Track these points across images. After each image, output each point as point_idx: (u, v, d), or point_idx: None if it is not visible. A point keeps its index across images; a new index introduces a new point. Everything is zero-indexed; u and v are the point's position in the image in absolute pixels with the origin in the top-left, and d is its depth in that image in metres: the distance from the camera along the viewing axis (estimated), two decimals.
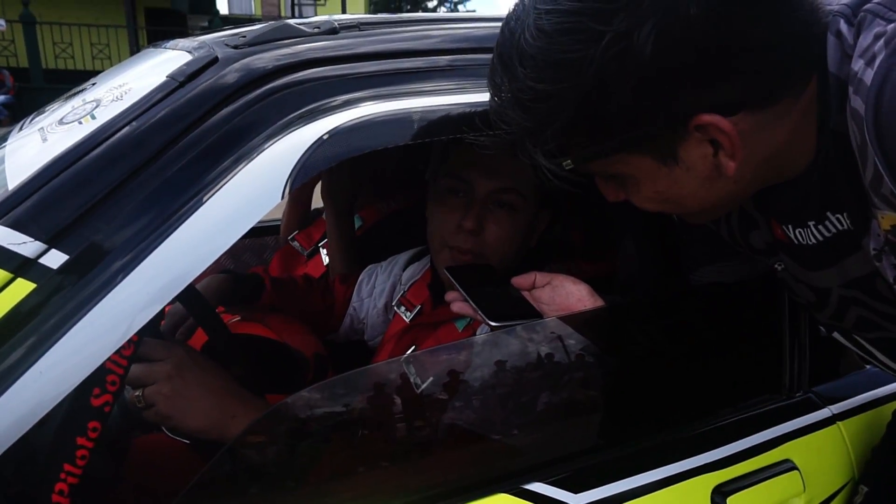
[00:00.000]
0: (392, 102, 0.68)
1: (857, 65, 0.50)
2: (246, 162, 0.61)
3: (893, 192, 0.49)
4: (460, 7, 29.95)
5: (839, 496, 0.85)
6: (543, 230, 1.02)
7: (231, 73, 0.65)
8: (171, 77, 0.65)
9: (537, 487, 0.71)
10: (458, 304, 0.81)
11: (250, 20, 19.58)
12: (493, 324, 0.75)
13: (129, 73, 0.79)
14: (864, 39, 0.50)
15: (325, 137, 0.63)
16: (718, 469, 0.79)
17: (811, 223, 0.62)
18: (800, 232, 0.64)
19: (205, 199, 0.59)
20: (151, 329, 0.75)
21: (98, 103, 0.67)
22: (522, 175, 0.93)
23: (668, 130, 0.54)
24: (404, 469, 0.74)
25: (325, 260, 1.49)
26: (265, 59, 0.67)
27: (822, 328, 0.84)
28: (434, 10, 27.98)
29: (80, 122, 0.63)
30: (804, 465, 0.83)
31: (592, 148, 0.56)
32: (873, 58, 0.48)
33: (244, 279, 1.26)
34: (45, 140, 0.65)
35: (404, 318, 1.12)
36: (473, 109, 0.70)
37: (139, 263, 0.56)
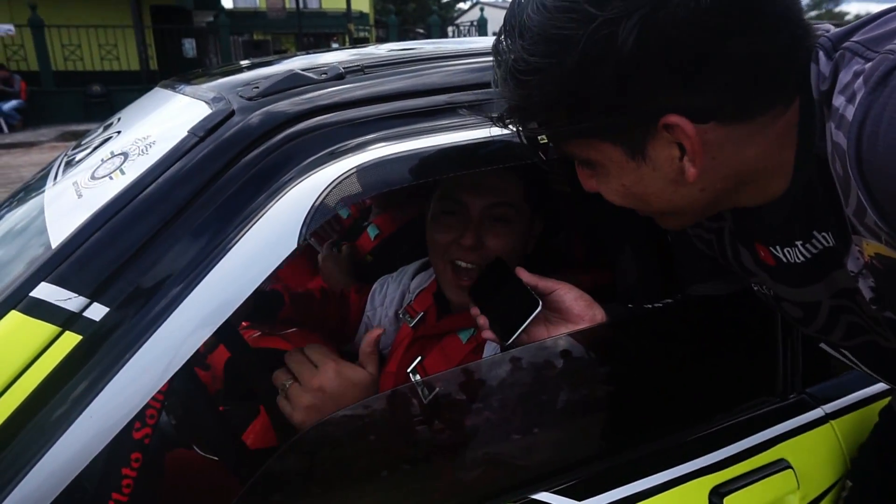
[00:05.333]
0: (400, 144, 0.73)
1: (839, 101, 0.51)
2: (267, 208, 0.67)
3: (877, 223, 0.51)
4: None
5: (832, 492, 0.90)
6: (539, 235, 1.07)
7: (248, 125, 0.70)
8: (193, 132, 0.70)
9: (544, 497, 0.76)
10: (486, 332, 0.84)
11: (255, 14, 19.57)
12: (506, 344, 0.80)
13: (150, 123, 0.84)
14: (845, 76, 0.52)
15: (340, 180, 0.68)
16: (715, 471, 0.83)
17: (798, 242, 0.64)
18: (787, 251, 0.66)
19: (229, 246, 0.65)
20: None
21: (126, 157, 0.72)
22: (511, 188, 0.99)
23: (640, 124, 0.56)
24: (418, 480, 0.80)
25: (371, 234, 1.56)
26: (278, 108, 0.72)
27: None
28: None
29: (111, 178, 0.69)
30: (798, 464, 0.87)
31: (569, 127, 0.58)
32: (853, 95, 0.50)
33: (264, 296, 1.32)
34: (80, 196, 0.70)
35: (409, 324, 1.17)
36: (475, 144, 0.75)
37: (174, 310, 0.62)
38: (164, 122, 0.81)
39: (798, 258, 0.65)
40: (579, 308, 0.81)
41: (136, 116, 0.94)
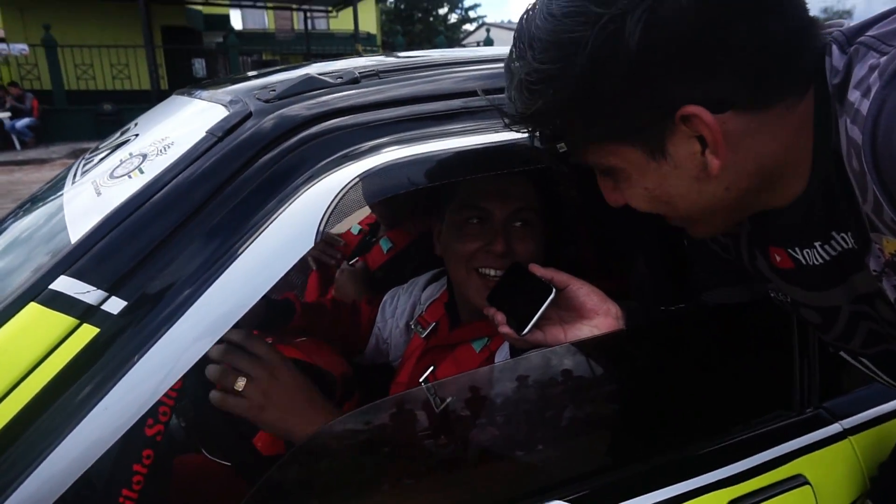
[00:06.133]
0: (413, 146, 0.73)
1: (854, 95, 0.51)
2: (282, 209, 0.67)
3: (894, 219, 0.50)
4: (471, 13, 30.05)
5: None
6: (547, 240, 1.07)
7: (265, 127, 0.71)
8: (211, 132, 0.70)
9: None
10: (503, 327, 0.83)
11: (264, 34, 19.88)
12: (522, 335, 0.80)
13: (168, 125, 0.85)
14: (860, 71, 0.51)
15: (353, 182, 0.69)
16: (733, 484, 0.82)
17: (817, 244, 0.63)
18: (807, 252, 0.65)
19: (247, 243, 0.65)
20: None
21: (144, 157, 0.73)
22: (530, 192, 1.00)
23: (657, 121, 0.55)
24: (433, 486, 0.78)
25: (384, 247, 1.56)
26: (295, 111, 0.73)
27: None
28: (445, 17, 28.16)
29: (130, 177, 0.69)
30: (816, 480, 0.86)
31: (586, 132, 0.58)
32: (869, 89, 0.49)
33: (276, 304, 1.32)
34: (99, 194, 0.71)
35: (420, 335, 1.17)
36: (488, 148, 0.75)
37: (191, 306, 0.62)
38: (182, 124, 0.82)
39: (817, 260, 0.64)
40: (593, 303, 0.80)
41: (153, 121, 0.95)
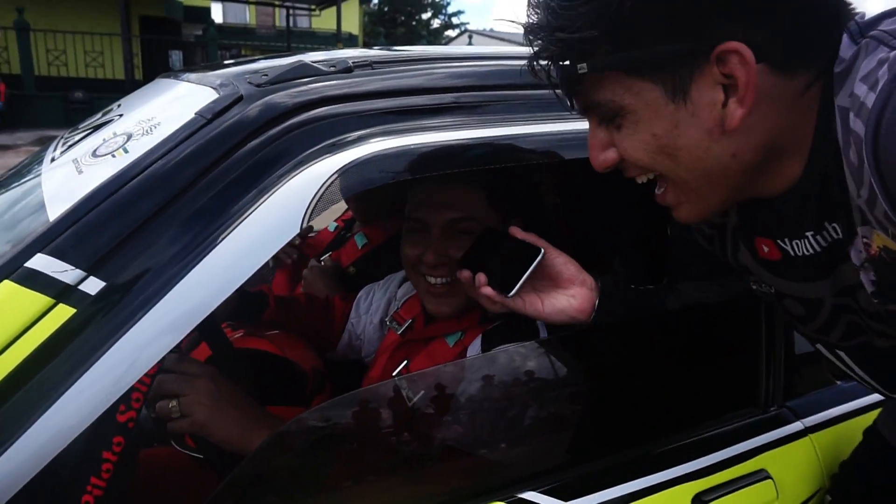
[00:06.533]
0: (401, 138, 0.74)
1: (860, 89, 0.50)
2: (269, 194, 0.67)
3: (887, 213, 0.50)
4: (454, 19, 30.16)
5: (810, 503, 0.92)
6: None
7: (254, 111, 0.71)
8: (200, 114, 0.70)
9: (530, 496, 0.76)
10: (484, 288, 0.79)
11: (245, 29, 19.64)
12: (510, 295, 0.78)
13: (155, 106, 0.84)
14: (868, 64, 0.51)
15: (339, 172, 0.69)
16: (699, 478, 0.85)
17: (809, 234, 0.62)
18: (797, 243, 0.64)
19: (232, 228, 0.65)
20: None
21: (129, 136, 0.72)
22: (472, 200, 1.00)
23: (690, 55, 0.54)
24: (409, 479, 0.79)
25: (359, 243, 1.56)
26: (286, 96, 0.73)
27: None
28: (428, 22, 28.20)
29: (114, 156, 0.69)
30: (777, 475, 0.89)
31: (612, 58, 0.56)
32: (876, 83, 0.49)
33: (249, 297, 1.31)
34: (80, 172, 0.70)
35: (396, 331, 1.17)
36: (475, 144, 0.76)
37: (170, 290, 0.61)
38: (169, 105, 0.81)
39: (808, 250, 0.64)
40: (570, 272, 0.80)
41: (139, 102, 0.94)
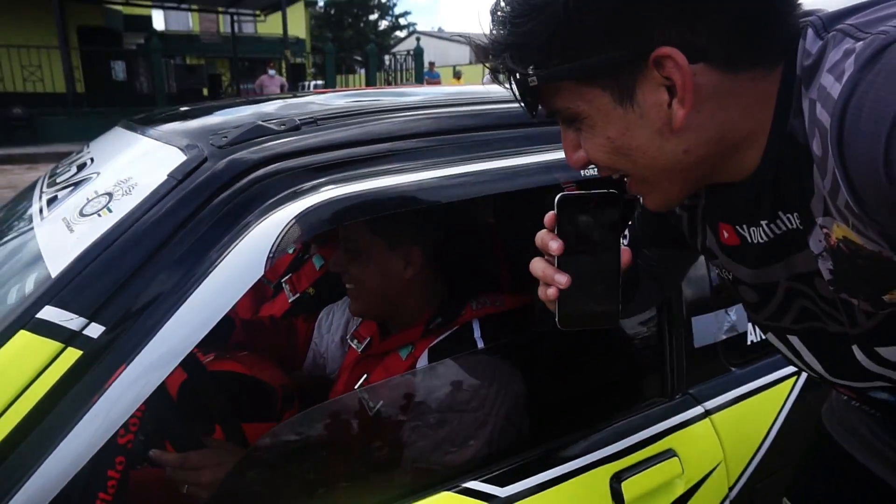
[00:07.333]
0: (347, 186, 0.87)
1: (827, 80, 0.51)
2: (238, 241, 0.79)
3: (848, 203, 0.50)
4: (401, 20, 30.14)
5: (711, 475, 1.09)
6: (422, 263, 1.19)
7: (219, 170, 0.83)
8: (172, 176, 0.82)
9: (473, 485, 0.90)
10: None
11: (188, 37, 19.27)
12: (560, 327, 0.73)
13: (128, 166, 0.95)
14: (835, 55, 0.52)
15: (296, 218, 0.82)
16: (615, 461, 1.00)
17: (763, 222, 0.64)
18: (753, 230, 0.66)
19: (208, 272, 0.77)
20: None
21: (111, 197, 0.83)
22: (357, 227, 1.16)
23: (631, 61, 0.56)
24: (370, 478, 0.92)
25: (290, 297, 1.65)
26: (245, 155, 0.85)
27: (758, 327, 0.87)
28: (375, 24, 28.18)
29: (99, 215, 0.80)
30: (683, 453, 1.05)
31: (562, 68, 0.58)
32: (842, 73, 0.49)
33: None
34: (71, 231, 0.80)
35: (356, 349, 1.30)
36: (415, 188, 0.90)
37: (160, 328, 0.73)
38: (141, 165, 0.92)
39: (762, 238, 0.66)
40: None
41: (108, 157, 1.04)
